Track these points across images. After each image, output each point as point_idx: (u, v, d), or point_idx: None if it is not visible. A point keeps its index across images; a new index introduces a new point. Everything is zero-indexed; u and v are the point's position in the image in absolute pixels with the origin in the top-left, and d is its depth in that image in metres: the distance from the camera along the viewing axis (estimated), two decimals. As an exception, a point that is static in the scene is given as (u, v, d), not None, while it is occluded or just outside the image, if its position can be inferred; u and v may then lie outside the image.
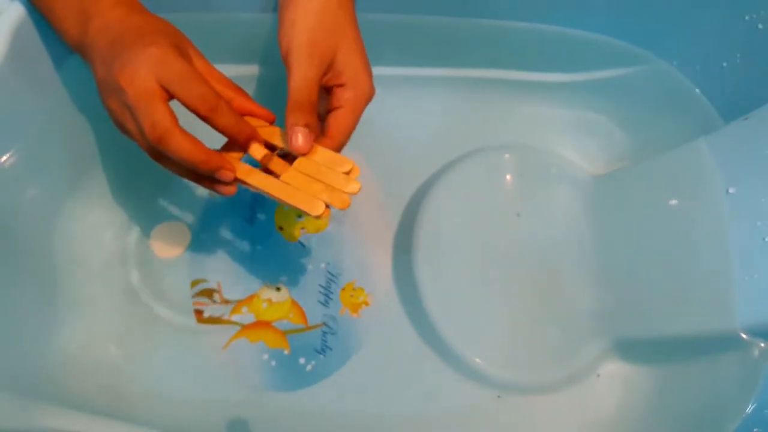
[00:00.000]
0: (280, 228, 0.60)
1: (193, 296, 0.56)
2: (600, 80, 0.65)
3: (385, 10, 0.61)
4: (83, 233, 0.57)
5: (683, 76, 0.62)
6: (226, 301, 0.56)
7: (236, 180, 0.43)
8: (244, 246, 0.58)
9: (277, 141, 0.44)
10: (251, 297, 0.57)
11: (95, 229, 0.57)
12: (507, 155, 0.62)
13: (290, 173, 0.42)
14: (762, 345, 0.47)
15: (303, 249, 0.59)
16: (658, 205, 0.55)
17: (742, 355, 0.48)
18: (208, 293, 0.57)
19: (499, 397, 0.54)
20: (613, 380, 0.55)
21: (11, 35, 0.48)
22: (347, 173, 0.43)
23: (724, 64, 0.58)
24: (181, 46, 0.41)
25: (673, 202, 0.53)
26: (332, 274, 0.58)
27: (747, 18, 0.54)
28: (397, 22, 0.62)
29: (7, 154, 0.53)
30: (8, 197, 0.53)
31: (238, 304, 0.56)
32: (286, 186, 0.42)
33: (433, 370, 0.55)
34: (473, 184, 0.60)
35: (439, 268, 0.57)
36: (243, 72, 0.64)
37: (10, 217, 0.53)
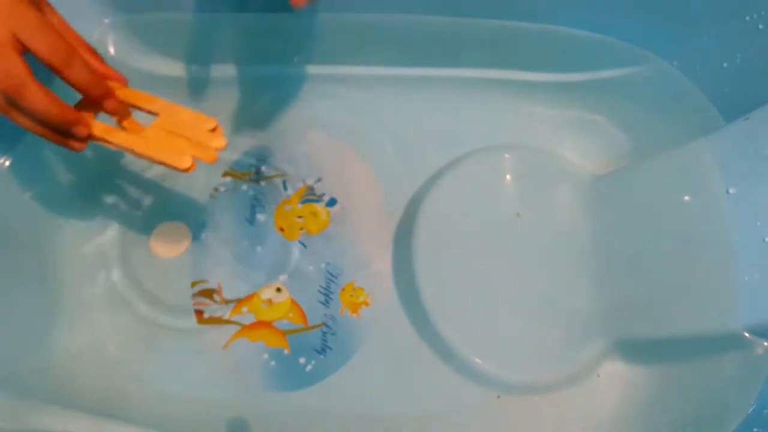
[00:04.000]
0: (281, 228, 0.60)
1: (194, 296, 0.56)
2: (600, 80, 0.65)
3: (385, 10, 0.61)
4: (83, 233, 0.57)
5: (683, 76, 0.62)
6: (226, 301, 0.56)
7: (94, 138, 0.42)
8: (244, 246, 0.58)
9: (133, 100, 0.44)
10: (251, 297, 0.57)
11: (95, 229, 0.57)
12: (507, 155, 0.61)
13: (152, 130, 0.43)
14: (764, 344, 0.47)
15: (303, 249, 0.59)
16: (658, 205, 0.55)
17: (744, 354, 0.48)
18: (209, 293, 0.57)
19: (499, 397, 0.54)
20: (613, 380, 0.55)
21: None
22: (212, 131, 0.43)
23: (725, 64, 0.58)
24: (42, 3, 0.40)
25: (674, 202, 0.53)
26: (332, 274, 0.58)
27: (747, 18, 0.54)
28: (397, 22, 0.62)
29: (7, 155, 0.53)
30: (8, 197, 0.53)
31: (238, 304, 0.56)
32: (150, 142, 0.42)
33: (433, 370, 0.55)
34: (473, 184, 0.60)
35: (439, 267, 0.57)
36: (240, 72, 0.65)
37: (10, 217, 0.54)
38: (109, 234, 0.57)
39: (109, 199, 0.58)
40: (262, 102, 0.64)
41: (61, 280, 0.55)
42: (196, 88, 0.63)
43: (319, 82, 0.65)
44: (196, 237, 0.58)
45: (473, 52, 0.65)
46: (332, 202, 0.61)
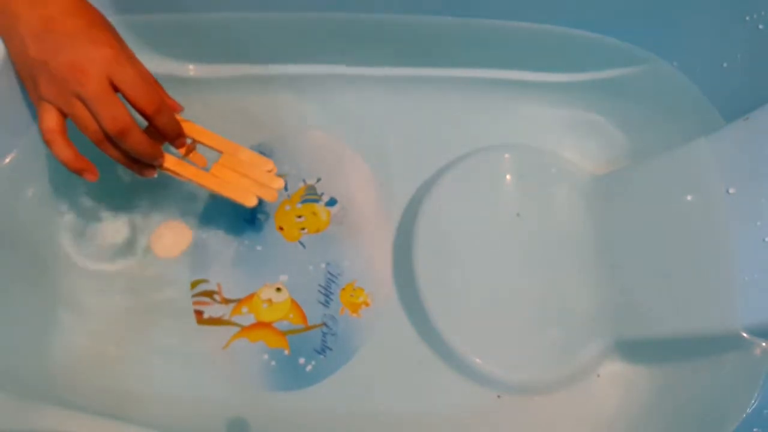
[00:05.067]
0: (280, 228, 0.60)
1: (193, 296, 0.56)
2: (600, 80, 0.65)
3: (385, 10, 0.61)
4: (83, 233, 0.57)
5: (684, 76, 0.62)
6: (227, 302, 0.56)
7: (166, 169, 0.48)
8: (244, 246, 0.58)
9: (199, 137, 0.50)
10: (251, 297, 0.57)
11: (95, 229, 0.57)
12: (507, 155, 0.61)
13: (218, 168, 0.50)
14: (764, 344, 0.47)
15: (303, 249, 0.59)
16: (657, 205, 0.55)
17: (743, 354, 0.48)
18: (209, 293, 0.57)
19: (499, 397, 0.54)
20: (613, 380, 0.55)
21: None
22: (269, 171, 0.50)
23: (725, 65, 0.58)
24: (126, 48, 0.44)
25: (673, 202, 0.53)
26: (332, 274, 0.58)
27: (747, 18, 0.54)
28: (396, 22, 0.62)
29: (8, 154, 0.53)
30: (8, 197, 0.53)
31: (238, 304, 0.56)
32: (217, 179, 0.49)
33: (433, 370, 0.55)
34: (473, 184, 0.60)
35: (439, 268, 0.57)
36: (240, 72, 0.65)
37: (10, 217, 0.54)
38: (109, 234, 0.57)
39: (109, 199, 0.58)
40: (262, 102, 0.64)
41: (61, 280, 0.55)
42: (197, 88, 0.63)
43: (319, 81, 0.65)
44: (196, 237, 0.58)
45: (473, 51, 0.65)
46: (332, 202, 0.61)
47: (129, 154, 0.45)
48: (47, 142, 0.42)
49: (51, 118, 0.42)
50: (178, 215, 0.59)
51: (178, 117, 0.49)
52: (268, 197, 0.49)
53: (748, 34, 0.54)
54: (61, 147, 0.43)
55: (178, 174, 0.49)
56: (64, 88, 0.40)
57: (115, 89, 0.42)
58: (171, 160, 0.48)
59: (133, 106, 0.43)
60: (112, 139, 0.43)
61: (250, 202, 0.49)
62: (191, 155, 0.50)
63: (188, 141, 0.50)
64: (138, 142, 0.43)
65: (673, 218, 0.53)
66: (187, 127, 0.49)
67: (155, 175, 0.48)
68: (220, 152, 0.51)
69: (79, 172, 0.45)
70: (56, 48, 0.40)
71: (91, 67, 0.40)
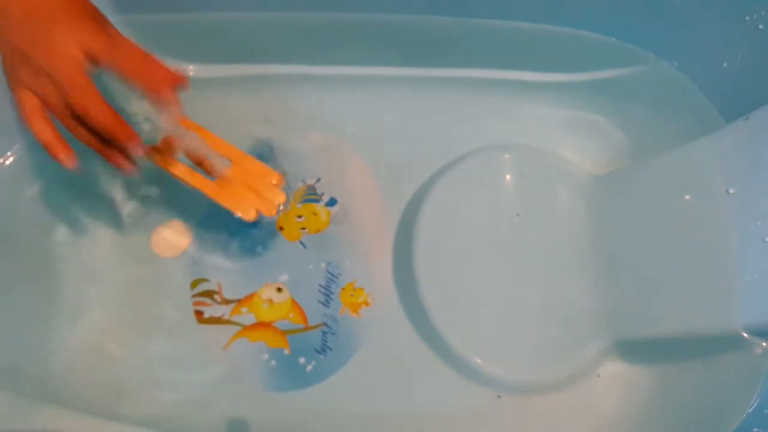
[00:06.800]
0: (281, 228, 0.60)
1: (194, 296, 0.56)
2: (600, 80, 0.65)
3: (384, 10, 0.61)
4: (83, 233, 0.57)
5: (684, 76, 0.62)
6: (227, 301, 0.56)
7: (176, 176, 0.49)
8: (245, 246, 0.58)
9: (212, 145, 0.51)
10: (251, 297, 0.57)
11: (95, 229, 0.57)
12: (507, 155, 0.61)
13: (224, 179, 0.50)
14: (764, 344, 0.47)
15: (303, 249, 0.59)
16: (658, 205, 0.55)
17: (743, 354, 0.48)
18: (209, 293, 0.57)
19: (499, 397, 0.54)
20: (613, 380, 0.55)
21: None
22: (275, 184, 0.50)
23: (725, 64, 0.58)
24: (109, 26, 0.44)
25: (674, 202, 0.53)
26: (332, 274, 0.58)
27: (747, 18, 0.54)
28: (396, 23, 0.62)
29: (7, 155, 0.53)
30: (8, 197, 0.53)
31: (239, 304, 0.56)
32: (221, 190, 0.50)
33: (433, 370, 0.55)
34: (473, 184, 0.60)
35: (439, 268, 0.57)
36: (239, 72, 0.65)
37: (11, 217, 0.54)
38: (109, 234, 0.57)
39: (110, 199, 0.58)
40: (262, 102, 0.64)
41: (61, 279, 0.55)
42: (196, 88, 0.63)
43: (319, 81, 0.65)
44: (196, 237, 0.58)
45: (473, 52, 0.65)
46: (332, 202, 0.61)
47: (98, 133, 0.43)
48: (27, 123, 0.42)
49: (27, 98, 0.42)
50: (179, 215, 0.59)
51: (190, 122, 0.50)
52: (268, 212, 0.50)
53: (748, 34, 0.54)
54: (40, 127, 0.42)
55: (185, 182, 0.50)
56: (38, 68, 0.41)
57: (96, 64, 0.41)
58: (181, 169, 0.49)
59: (118, 71, 0.42)
60: (78, 116, 0.42)
61: (249, 216, 0.49)
62: (204, 164, 0.51)
63: (207, 155, 0.50)
64: (98, 110, 0.41)
65: (673, 218, 0.53)
66: (197, 133, 0.50)
67: (132, 169, 0.47)
68: (228, 160, 0.51)
69: (56, 156, 0.44)
70: (34, 33, 0.41)
71: (63, 45, 0.40)
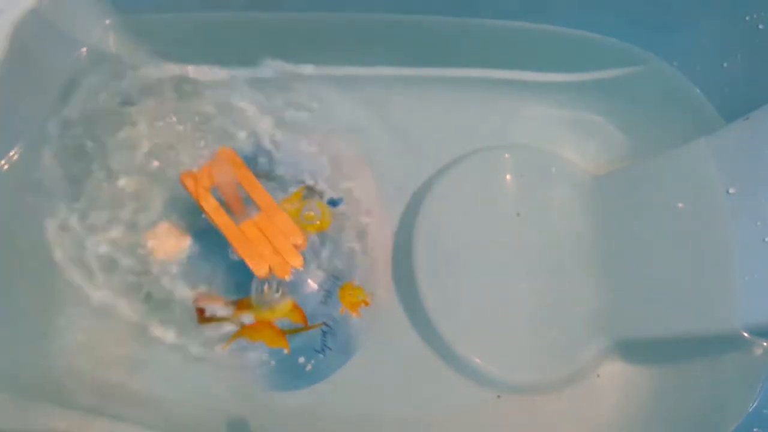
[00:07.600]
0: (280, 228, 0.60)
1: (194, 296, 0.56)
2: (600, 80, 0.65)
3: (385, 10, 0.61)
4: (82, 234, 0.57)
5: (684, 77, 0.62)
6: (227, 302, 0.56)
7: (204, 210, 0.49)
8: (244, 246, 0.58)
9: (247, 187, 0.50)
10: (252, 297, 0.57)
11: (95, 229, 0.57)
12: (507, 155, 0.61)
13: (248, 225, 0.49)
14: (764, 344, 0.47)
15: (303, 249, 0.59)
16: (658, 205, 0.55)
17: (744, 354, 0.48)
18: (209, 293, 0.57)
19: (499, 397, 0.54)
20: (613, 380, 0.55)
21: (11, 35, 0.48)
22: (296, 246, 0.49)
23: (725, 64, 0.58)
24: None
25: (674, 202, 0.53)
26: (332, 274, 0.58)
27: (747, 18, 0.54)
28: (397, 22, 0.62)
29: (7, 155, 0.53)
30: (8, 198, 0.53)
31: (239, 304, 0.56)
32: (241, 236, 0.49)
33: (433, 370, 0.55)
34: (473, 184, 0.60)
35: (439, 268, 0.57)
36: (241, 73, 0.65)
37: (10, 217, 0.54)
38: (109, 234, 0.57)
39: (109, 199, 0.58)
40: (262, 102, 0.64)
41: (61, 280, 0.55)
42: (197, 88, 0.63)
43: (320, 81, 0.65)
44: (195, 237, 0.58)
45: (473, 52, 0.65)
46: (332, 202, 0.61)
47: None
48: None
49: None
50: (178, 215, 0.59)
51: (237, 158, 0.50)
52: (280, 273, 0.48)
53: (748, 34, 0.54)
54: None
55: (209, 215, 0.49)
56: None
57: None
58: (210, 204, 0.49)
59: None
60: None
61: (260, 272, 0.48)
62: (234, 204, 0.50)
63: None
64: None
65: (673, 218, 0.53)
66: (239, 174, 0.50)
67: None
68: (259, 208, 0.50)
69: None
70: None
71: None
